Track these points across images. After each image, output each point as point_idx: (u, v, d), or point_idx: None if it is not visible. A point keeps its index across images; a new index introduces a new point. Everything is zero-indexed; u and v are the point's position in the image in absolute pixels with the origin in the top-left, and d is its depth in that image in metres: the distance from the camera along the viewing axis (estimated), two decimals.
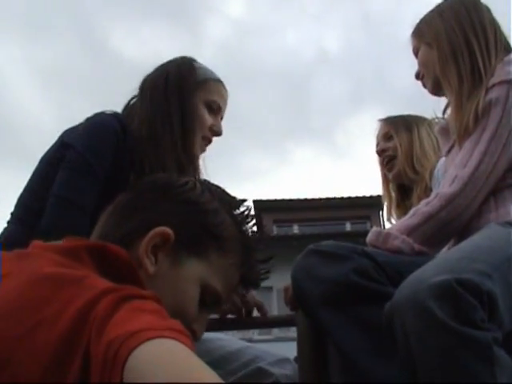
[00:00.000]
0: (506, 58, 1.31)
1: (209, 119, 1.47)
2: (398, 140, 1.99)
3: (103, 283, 0.64)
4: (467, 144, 1.26)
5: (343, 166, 24.82)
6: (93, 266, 0.71)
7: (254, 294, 1.43)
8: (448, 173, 1.30)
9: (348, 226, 13.30)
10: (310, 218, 13.10)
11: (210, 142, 1.50)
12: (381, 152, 2.03)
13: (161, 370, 0.50)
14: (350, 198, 13.19)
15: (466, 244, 1.07)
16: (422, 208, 1.24)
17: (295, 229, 13.30)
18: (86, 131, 1.35)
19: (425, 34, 1.45)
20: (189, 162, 1.44)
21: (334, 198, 13.26)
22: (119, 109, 1.50)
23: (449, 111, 1.47)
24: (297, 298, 1.21)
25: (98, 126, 1.36)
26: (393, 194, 2.06)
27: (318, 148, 24.29)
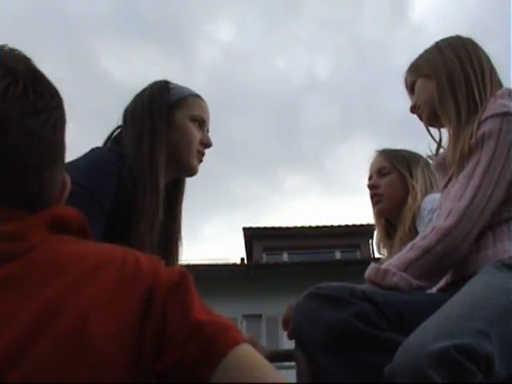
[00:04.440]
0: (499, 92, 1.33)
1: (197, 134, 1.50)
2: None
3: None
4: (461, 178, 1.28)
5: (333, 194, 24.89)
6: None
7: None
8: (443, 206, 1.30)
9: (338, 255, 13.23)
10: (300, 246, 13.04)
11: (203, 155, 1.54)
12: (372, 187, 1.93)
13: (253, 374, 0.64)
14: (339, 226, 13.15)
15: (465, 297, 1.08)
16: (418, 242, 1.24)
17: (285, 257, 13.23)
18: (88, 165, 1.35)
19: (423, 67, 1.48)
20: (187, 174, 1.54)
21: (324, 226, 13.23)
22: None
23: (441, 150, 1.49)
24: (299, 341, 1.20)
25: (99, 160, 1.36)
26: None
27: (308, 175, 24.35)
